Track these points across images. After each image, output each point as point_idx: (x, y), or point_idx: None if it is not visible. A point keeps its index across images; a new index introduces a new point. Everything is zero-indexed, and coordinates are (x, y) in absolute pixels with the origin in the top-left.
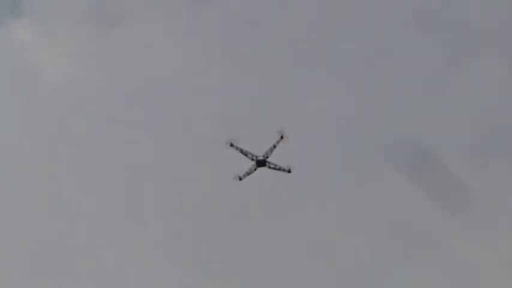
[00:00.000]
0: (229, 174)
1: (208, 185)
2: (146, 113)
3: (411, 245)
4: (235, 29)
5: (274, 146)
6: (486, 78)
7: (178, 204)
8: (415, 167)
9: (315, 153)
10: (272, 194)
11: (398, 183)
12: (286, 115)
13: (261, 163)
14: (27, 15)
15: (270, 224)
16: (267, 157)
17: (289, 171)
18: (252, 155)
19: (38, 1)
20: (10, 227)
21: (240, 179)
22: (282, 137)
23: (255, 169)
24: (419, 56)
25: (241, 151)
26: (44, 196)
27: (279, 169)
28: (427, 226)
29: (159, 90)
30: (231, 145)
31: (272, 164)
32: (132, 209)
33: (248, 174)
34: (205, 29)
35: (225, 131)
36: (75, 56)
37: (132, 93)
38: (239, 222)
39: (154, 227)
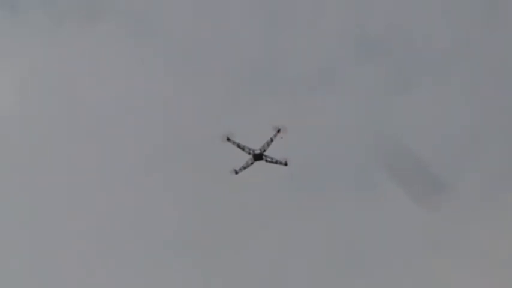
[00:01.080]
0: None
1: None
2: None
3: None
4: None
5: (272, 140)
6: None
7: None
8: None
9: None
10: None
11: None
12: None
13: (258, 157)
14: None
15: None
16: (264, 151)
17: (285, 164)
18: (249, 149)
19: None
20: None
21: (237, 172)
22: (278, 131)
23: (252, 163)
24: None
25: (238, 145)
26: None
27: (276, 162)
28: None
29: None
30: (228, 139)
31: (269, 157)
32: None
33: (245, 168)
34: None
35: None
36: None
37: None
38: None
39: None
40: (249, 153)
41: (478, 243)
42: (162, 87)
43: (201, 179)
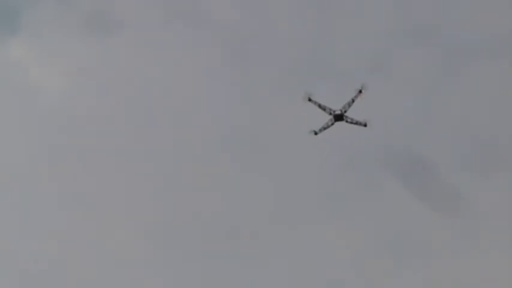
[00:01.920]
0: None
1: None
2: None
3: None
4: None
5: (353, 100)
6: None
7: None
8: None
9: None
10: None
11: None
12: None
13: (338, 117)
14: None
15: None
16: (345, 111)
17: (365, 125)
18: (330, 109)
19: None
20: None
21: (316, 133)
22: (360, 91)
23: (332, 123)
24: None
25: (319, 105)
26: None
27: (356, 123)
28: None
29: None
30: (309, 100)
31: (349, 118)
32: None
33: (325, 128)
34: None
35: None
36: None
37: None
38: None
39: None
40: (330, 114)
41: None
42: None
43: None
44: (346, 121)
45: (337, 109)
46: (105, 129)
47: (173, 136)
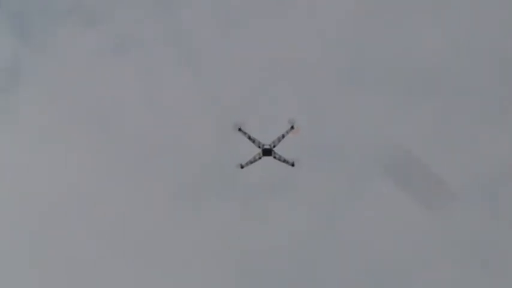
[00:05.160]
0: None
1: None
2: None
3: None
4: None
5: (283, 136)
6: None
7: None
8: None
9: None
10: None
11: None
12: None
13: (267, 152)
14: None
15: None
16: (274, 146)
17: (292, 165)
18: (259, 143)
19: None
20: None
21: (242, 167)
22: (292, 127)
23: (260, 158)
24: None
25: (249, 137)
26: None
27: (284, 161)
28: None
29: None
30: (239, 129)
31: (278, 154)
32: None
33: (251, 162)
34: None
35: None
36: None
37: None
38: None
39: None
40: (259, 147)
41: None
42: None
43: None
44: (274, 157)
45: (267, 143)
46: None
47: None
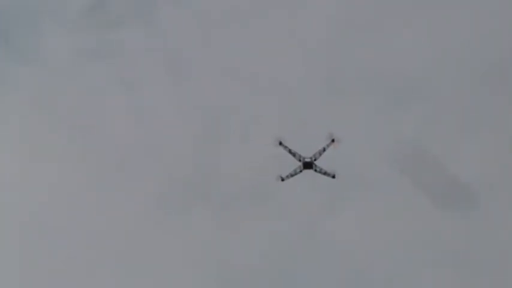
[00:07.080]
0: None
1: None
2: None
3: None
4: None
5: (324, 149)
6: None
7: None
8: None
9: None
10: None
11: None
12: None
13: (307, 165)
14: None
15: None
16: (315, 159)
17: (333, 177)
18: (300, 156)
19: None
20: None
21: (283, 179)
22: (333, 140)
23: (301, 171)
24: None
25: (290, 151)
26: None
27: (325, 173)
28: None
29: None
30: (280, 143)
31: (318, 167)
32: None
33: (292, 175)
34: None
35: None
36: None
37: None
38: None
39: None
40: (299, 160)
41: None
42: None
43: None
44: (315, 170)
45: (307, 156)
46: None
47: None
